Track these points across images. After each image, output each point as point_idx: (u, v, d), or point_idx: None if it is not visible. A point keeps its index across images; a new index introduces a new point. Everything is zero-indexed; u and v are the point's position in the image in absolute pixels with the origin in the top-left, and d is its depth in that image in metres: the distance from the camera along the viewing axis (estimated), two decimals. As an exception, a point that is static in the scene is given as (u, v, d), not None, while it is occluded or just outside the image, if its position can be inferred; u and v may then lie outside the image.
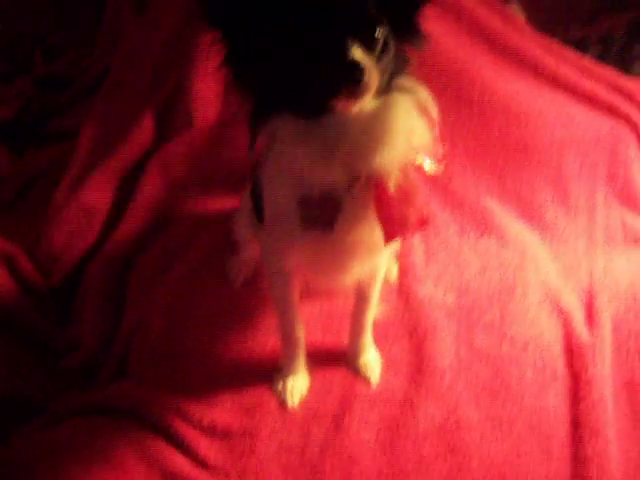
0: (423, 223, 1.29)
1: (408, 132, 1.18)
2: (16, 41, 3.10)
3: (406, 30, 1.19)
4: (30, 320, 1.82)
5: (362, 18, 1.09)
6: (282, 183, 1.27)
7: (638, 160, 2.11)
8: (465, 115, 2.12)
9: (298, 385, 1.58)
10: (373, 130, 1.15)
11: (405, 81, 1.19)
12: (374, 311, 1.61)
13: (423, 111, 1.21)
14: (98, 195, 2.07)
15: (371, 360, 1.63)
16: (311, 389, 1.59)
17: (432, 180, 2.06)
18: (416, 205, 1.26)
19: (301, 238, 1.30)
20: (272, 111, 1.15)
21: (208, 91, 2.11)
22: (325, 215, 1.25)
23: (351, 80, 1.05)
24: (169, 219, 2.03)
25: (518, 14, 2.57)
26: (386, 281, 1.82)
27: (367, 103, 1.11)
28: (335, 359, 1.66)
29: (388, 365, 1.64)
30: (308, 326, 1.62)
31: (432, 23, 2.19)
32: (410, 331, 1.71)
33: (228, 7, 1.11)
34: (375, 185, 1.21)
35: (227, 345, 1.66)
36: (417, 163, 1.26)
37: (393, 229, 1.24)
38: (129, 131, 2.16)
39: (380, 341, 1.68)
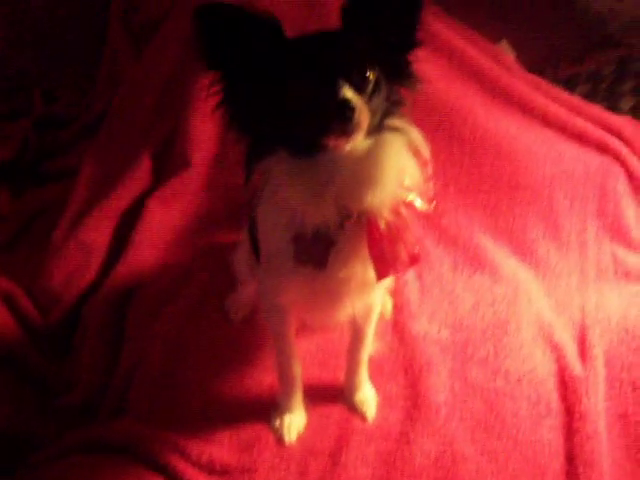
0: (414, 260, 1.31)
1: (399, 171, 1.21)
2: (16, 81, 3.13)
3: (397, 72, 1.23)
4: (30, 358, 1.83)
5: (353, 60, 1.13)
6: (276, 221, 1.30)
7: (627, 195, 2.14)
8: (457, 153, 2.16)
9: (295, 421, 1.59)
10: (364, 169, 1.17)
11: (397, 121, 1.22)
12: (369, 348, 1.63)
13: (414, 151, 1.23)
14: (97, 234, 2.11)
15: (367, 396, 1.65)
16: (308, 425, 1.61)
17: (426, 217, 2.09)
18: (407, 242, 1.29)
19: (295, 275, 1.33)
20: (266, 150, 1.18)
21: (205, 131, 2.15)
22: (318, 252, 1.28)
23: (342, 119, 1.08)
24: (168, 256, 2.06)
25: (508, 53, 2.62)
26: (381, 317, 1.82)
27: (359, 143, 1.14)
28: (332, 395, 1.68)
29: (384, 401, 1.66)
30: (305, 362, 1.65)
31: (424, 63, 2.23)
32: (405, 367, 1.73)
33: (225, 54, 1.15)
34: (367, 223, 1.23)
35: (226, 382, 1.68)
36: (408, 201, 1.28)
37: (385, 267, 1.27)
38: (128, 170, 2.20)
39: (376, 377, 1.70)
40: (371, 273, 1.28)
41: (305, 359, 1.68)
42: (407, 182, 1.25)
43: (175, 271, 2.00)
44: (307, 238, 1.26)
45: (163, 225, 2.09)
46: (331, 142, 1.12)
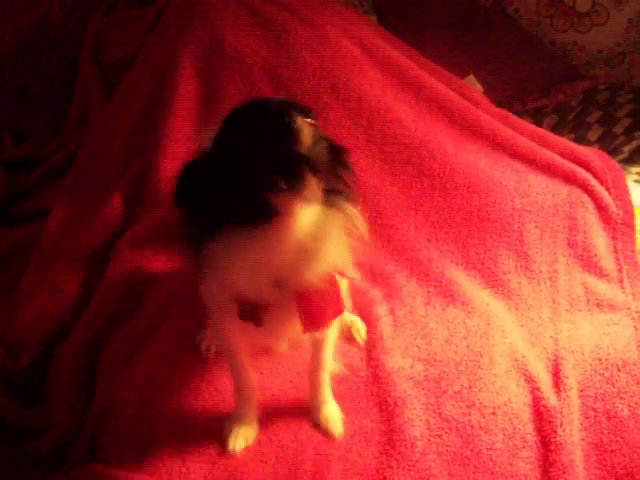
0: (338, 314, 1.45)
1: (336, 249, 1.31)
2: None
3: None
4: (0, 404, 1.81)
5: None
6: (219, 283, 1.39)
7: (597, 225, 2.16)
8: (427, 188, 2.18)
9: (244, 432, 1.61)
10: (303, 246, 1.26)
11: (337, 199, 1.30)
12: (330, 367, 1.67)
13: (352, 227, 1.33)
14: (67, 277, 2.08)
15: (331, 414, 1.67)
16: (283, 460, 1.59)
17: (398, 252, 2.11)
18: (334, 302, 1.41)
19: (238, 327, 1.46)
20: (215, 228, 1.27)
21: (175, 172, 2.14)
22: (254, 316, 1.39)
23: (295, 175, 1.16)
24: (140, 297, 2.04)
25: (475, 87, 2.66)
26: (353, 341, 1.90)
27: (302, 216, 1.23)
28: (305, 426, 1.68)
29: (360, 437, 1.64)
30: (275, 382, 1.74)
31: (393, 99, 2.29)
32: (380, 403, 1.72)
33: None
34: (297, 290, 1.34)
35: (198, 423, 1.66)
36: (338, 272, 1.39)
37: (311, 325, 1.41)
38: (98, 212, 2.19)
39: (351, 413, 1.69)
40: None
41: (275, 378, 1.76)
42: (341, 259, 1.35)
43: (148, 313, 1.98)
44: (245, 303, 1.37)
45: (135, 266, 2.08)
46: (279, 201, 1.19)
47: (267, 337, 1.59)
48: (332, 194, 1.28)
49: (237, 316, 1.40)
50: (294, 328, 1.43)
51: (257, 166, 1.18)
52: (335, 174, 1.30)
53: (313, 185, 1.17)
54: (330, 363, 1.66)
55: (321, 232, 1.26)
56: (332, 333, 1.60)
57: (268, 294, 1.33)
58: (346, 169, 1.34)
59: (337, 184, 1.31)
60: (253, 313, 1.38)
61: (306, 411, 1.69)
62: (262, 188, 1.19)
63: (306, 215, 1.24)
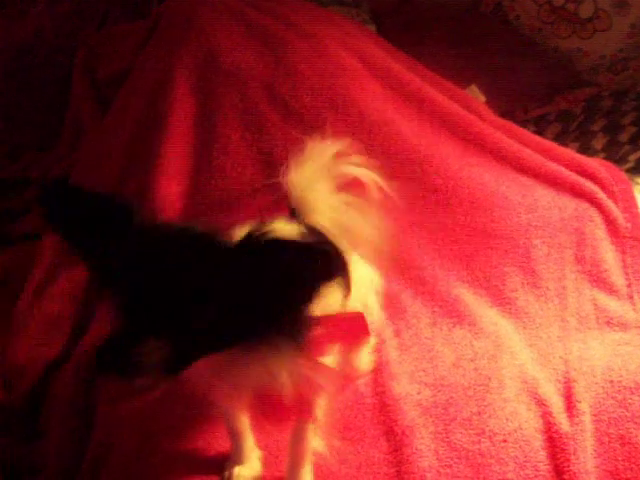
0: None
1: None
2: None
3: None
4: (-6, 438, 1.77)
5: None
6: None
7: (605, 239, 2.11)
8: (431, 204, 2.13)
9: (244, 473, 1.55)
10: None
11: None
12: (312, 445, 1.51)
13: None
14: (62, 305, 2.04)
15: None
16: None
17: (401, 270, 2.06)
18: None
19: None
20: None
21: (170, 190, 2.11)
22: None
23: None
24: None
25: (478, 97, 2.62)
26: (359, 373, 1.80)
27: None
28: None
29: (366, 469, 1.58)
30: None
31: (394, 113, 2.24)
32: (387, 432, 1.67)
33: None
34: None
35: (200, 461, 1.61)
36: None
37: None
38: (94, 234, 2.13)
39: (357, 443, 1.64)
40: None
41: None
42: None
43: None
44: None
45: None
46: None
47: None
48: None
49: None
50: None
51: None
52: None
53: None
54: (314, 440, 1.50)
55: None
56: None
57: None
58: None
59: None
60: None
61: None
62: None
63: None
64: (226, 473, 1.56)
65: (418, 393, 1.76)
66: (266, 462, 1.60)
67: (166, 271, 1.03)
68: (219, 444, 1.64)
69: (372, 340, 1.82)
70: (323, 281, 1.04)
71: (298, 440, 1.52)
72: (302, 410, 1.33)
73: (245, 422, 1.56)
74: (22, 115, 3.07)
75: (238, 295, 1.05)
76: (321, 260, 1.02)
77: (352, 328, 1.40)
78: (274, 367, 1.17)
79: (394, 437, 1.65)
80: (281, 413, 1.30)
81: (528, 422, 1.68)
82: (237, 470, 1.56)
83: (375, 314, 1.68)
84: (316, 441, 1.51)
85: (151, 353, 1.04)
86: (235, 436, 1.58)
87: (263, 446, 1.62)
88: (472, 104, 2.38)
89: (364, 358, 1.78)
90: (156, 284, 1.02)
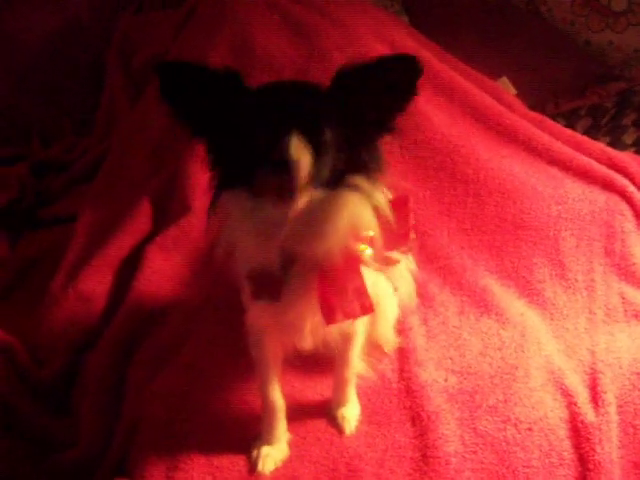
0: (366, 310, 1.38)
1: (350, 226, 1.27)
2: (15, 127, 3.13)
3: (365, 136, 1.28)
4: (28, 413, 1.79)
5: (312, 117, 1.18)
6: (228, 253, 1.37)
7: (635, 233, 2.11)
8: (461, 194, 2.14)
9: (273, 454, 1.58)
10: (313, 219, 1.23)
11: (359, 180, 1.26)
12: (355, 369, 1.66)
13: (377, 213, 1.29)
14: (96, 283, 2.07)
15: (350, 413, 1.66)
16: (316, 471, 1.56)
17: (430, 259, 2.07)
18: (358, 292, 1.35)
19: (255, 305, 1.42)
20: (230, 184, 1.28)
21: (205, 176, 2.12)
22: (270, 289, 1.34)
23: (283, 175, 1.13)
24: (169, 305, 2.02)
25: (509, 89, 2.61)
26: (383, 352, 1.86)
27: (310, 195, 1.19)
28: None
29: (392, 452, 1.60)
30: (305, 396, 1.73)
31: (425, 104, 2.24)
32: (413, 417, 1.68)
33: (190, 108, 1.29)
34: (317, 268, 1.30)
35: (228, 438, 1.64)
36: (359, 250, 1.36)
37: (331, 313, 1.34)
38: (127, 217, 2.17)
39: (383, 427, 1.66)
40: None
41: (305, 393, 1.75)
42: (360, 234, 1.33)
43: (177, 321, 1.96)
44: (257, 275, 1.32)
45: (164, 273, 2.05)
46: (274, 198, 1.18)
47: (289, 329, 1.49)
48: (349, 173, 1.24)
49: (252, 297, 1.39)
50: (315, 317, 1.38)
51: (258, 138, 1.17)
52: (356, 154, 1.25)
53: (306, 170, 1.14)
54: (357, 363, 1.66)
55: (332, 211, 1.23)
56: (359, 331, 1.58)
57: (275, 265, 1.29)
58: (370, 149, 1.28)
59: (356, 164, 1.25)
60: (266, 286, 1.33)
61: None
62: (256, 162, 1.17)
63: (315, 195, 1.20)
64: (255, 452, 1.59)
65: (445, 380, 1.78)
66: (292, 446, 1.63)
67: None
68: (248, 422, 1.67)
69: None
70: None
71: (342, 364, 1.64)
72: (360, 301, 1.36)
73: (280, 399, 1.59)
74: (60, 101, 3.12)
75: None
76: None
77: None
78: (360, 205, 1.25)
79: (420, 422, 1.66)
80: (338, 301, 1.33)
81: (553, 411, 1.69)
82: (266, 450, 1.58)
83: (413, 298, 1.79)
84: (359, 364, 1.67)
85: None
86: (269, 415, 1.60)
87: (293, 432, 1.65)
88: (503, 96, 2.38)
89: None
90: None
